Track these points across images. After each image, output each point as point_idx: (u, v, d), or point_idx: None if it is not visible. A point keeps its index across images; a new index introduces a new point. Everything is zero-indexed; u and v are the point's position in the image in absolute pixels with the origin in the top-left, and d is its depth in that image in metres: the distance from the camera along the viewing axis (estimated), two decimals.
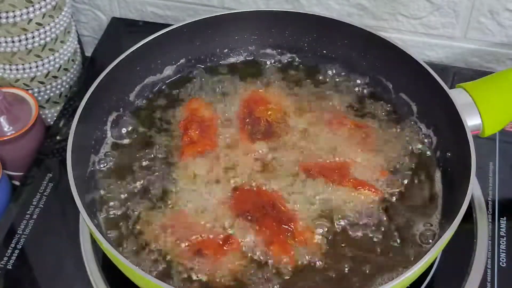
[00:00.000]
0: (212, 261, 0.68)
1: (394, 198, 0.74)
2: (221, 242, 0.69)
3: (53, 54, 0.95)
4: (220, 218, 0.72)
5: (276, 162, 0.77)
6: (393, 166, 0.77)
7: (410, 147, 0.79)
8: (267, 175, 0.76)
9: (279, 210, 0.71)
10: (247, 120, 0.81)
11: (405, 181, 0.75)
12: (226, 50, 0.90)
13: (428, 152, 0.78)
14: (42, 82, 0.96)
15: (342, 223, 0.72)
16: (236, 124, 0.82)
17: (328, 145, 0.79)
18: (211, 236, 0.70)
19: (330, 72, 0.88)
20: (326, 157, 0.77)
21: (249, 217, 0.71)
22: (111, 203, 0.74)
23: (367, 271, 0.68)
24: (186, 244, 0.69)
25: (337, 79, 0.87)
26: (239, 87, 0.87)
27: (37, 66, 0.94)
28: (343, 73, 0.88)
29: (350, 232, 0.71)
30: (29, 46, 0.91)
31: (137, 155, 0.79)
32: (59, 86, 0.99)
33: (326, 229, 0.71)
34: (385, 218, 0.72)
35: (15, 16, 0.87)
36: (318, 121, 0.82)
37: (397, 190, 0.75)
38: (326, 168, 0.76)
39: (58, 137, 0.91)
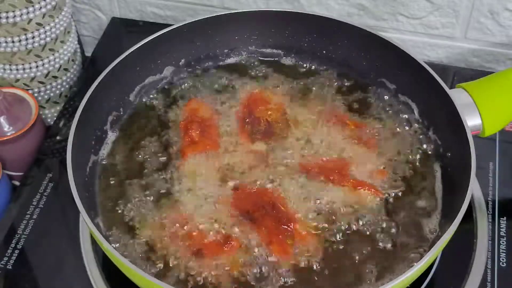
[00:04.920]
0: (212, 261, 0.68)
1: (394, 198, 0.74)
2: (221, 242, 0.69)
3: (53, 54, 0.95)
4: (220, 218, 0.72)
5: (276, 162, 0.77)
6: (393, 166, 0.77)
7: (410, 147, 0.79)
8: (267, 175, 0.76)
9: (278, 210, 0.71)
10: (247, 120, 0.81)
11: (405, 181, 0.75)
12: (226, 50, 0.90)
13: (428, 152, 0.78)
14: (42, 82, 0.96)
15: (342, 223, 0.72)
16: (236, 124, 0.82)
17: (328, 145, 0.79)
18: (211, 236, 0.70)
19: (330, 72, 0.88)
20: (326, 157, 0.77)
21: (249, 217, 0.71)
22: (111, 203, 0.74)
23: (367, 271, 0.68)
24: (186, 244, 0.69)
25: (337, 79, 0.87)
26: (239, 87, 0.87)
27: (37, 66, 0.94)
28: (342, 73, 0.88)
29: (350, 232, 0.71)
30: (29, 46, 0.91)
31: (137, 155, 0.79)
32: (59, 86, 0.99)
33: (326, 229, 0.71)
34: (384, 218, 0.72)
35: (15, 16, 0.87)
36: (318, 121, 0.82)
37: (397, 190, 0.75)
38: (326, 168, 0.76)
39: (58, 137, 0.91)
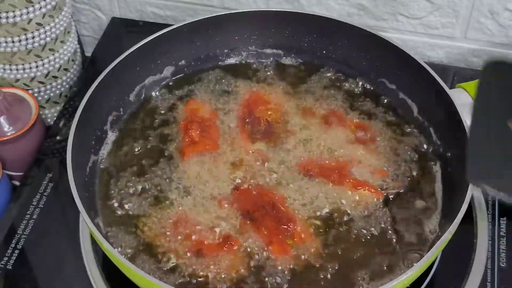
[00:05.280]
0: (212, 261, 0.68)
1: (393, 198, 0.74)
2: (221, 242, 0.69)
3: (53, 54, 0.95)
4: (220, 218, 0.71)
5: (276, 162, 0.77)
6: (393, 166, 0.77)
7: (410, 147, 0.79)
8: (267, 175, 0.76)
9: (278, 210, 0.71)
10: (247, 120, 0.81)
11: (405, 181, 0.75)
12: (226, 50, 0.90)
13: (428, 152, 0.78)
14: (42, 82, 0.96)
15: (342, 223, 0.72)
16: (236, 124, 0.81)
17: (328, 145, 0.79)
18: (211, 236, 0.70)
19: (330, 72, 0.88)
20: (326, 157, 0.77)
21: (249, 217, 0.71)
22: (111, 203, 0.74)
23: (367, 271, 0.68)
24: (186, 244, 0.69)
25: (337, 79, 0.87)
26: (239, 87, 0.87)
27: (37, 66, 0.94)
28: (342, 73, 0.88)
29: (350, 232, 0.71)
30: (29, 46, 0.91)
31: (138, 155, 0.79)
32: (59, 86, 0.99)
33: (326, 229, 0.71)
34: (384, 218, 0.72)
35: (15, 16, 0.87)
36: (318, 121, 0.82)
37: (397, 190, 0.75)
38: (326, 168, 0.76)
39: (58, 137, 0.91)
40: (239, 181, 0.75)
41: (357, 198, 0.73)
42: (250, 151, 0.78)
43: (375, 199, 0.74)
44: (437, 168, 0.77)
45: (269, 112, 0.83)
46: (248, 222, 0.71)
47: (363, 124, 0.81)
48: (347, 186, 0.74)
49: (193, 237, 0.70)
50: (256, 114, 0.82)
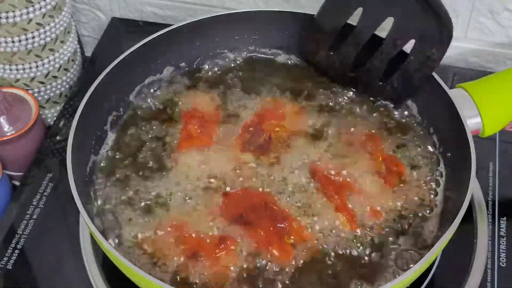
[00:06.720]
0: (210, 264, 0.67)
1: (394, 197, 0.74)
2: (217, 245, 0.68)
3: (53, 54, 0.95)
4: (216, 220, 0.71)
5: (276, 165, 0.77)
6: (392, 166, 0.77)
7: (410, 147, 0.79)
8: (258, 182, 0.75)
9: (272, 210, 0.71)
10: (250, 129, 0.80)
11: (405, 182, 0.75)
12: (226, 50, 0.90)
13: (428, 152, 0.78)
14: (42, 82, 0.96)
15: (341, 222, 0.71)
16: (236, 127, 0.81)
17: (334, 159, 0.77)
18: (208, 239, 0.69)
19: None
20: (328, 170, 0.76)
21: (243, 221, 0.70)
22: (111, 203, 0.74)
23: (367, 271, 0.68)
24: (185, 245, 0.69)
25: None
26: (238, 87, 0.86)
27: (37, 66, 0.94)
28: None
29: (350, 231, 0.71)
30: (29, 46, 0.91)
31: (136, 155, 0.79)
32: (59, 86, 0.99)
33: (325, 227, 0.71)
34: (384, 217, 0.72)
35: (15, 16, 0.87)
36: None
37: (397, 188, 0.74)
38: (328, 180, 0.75)
39: (58, 137, 0.91)
40: (235, 183, 0.74)
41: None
42: (238, 159, 0.77)
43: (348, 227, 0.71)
44: (436, 168, 0.77)
45: (277, 129, 0.80)
46: (242, 226, 0.70)
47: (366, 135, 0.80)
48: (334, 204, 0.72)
49: (190, 241, 0.69)
50: (263, 126, 0.80)
